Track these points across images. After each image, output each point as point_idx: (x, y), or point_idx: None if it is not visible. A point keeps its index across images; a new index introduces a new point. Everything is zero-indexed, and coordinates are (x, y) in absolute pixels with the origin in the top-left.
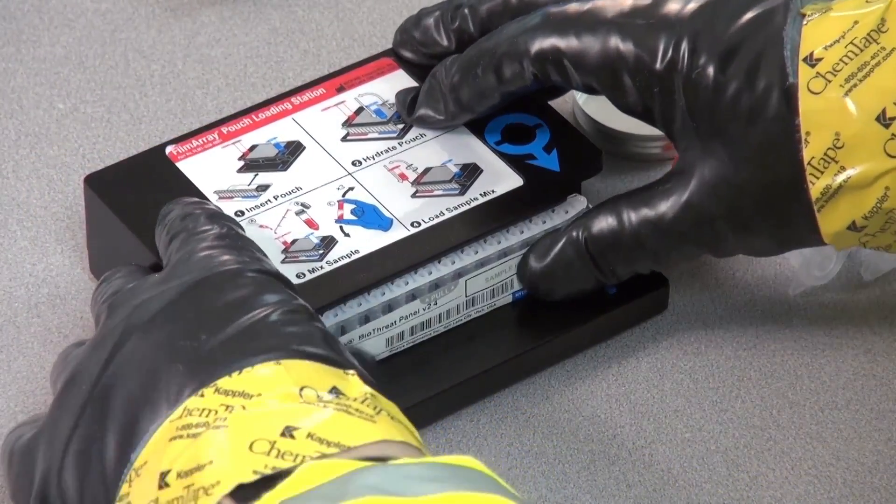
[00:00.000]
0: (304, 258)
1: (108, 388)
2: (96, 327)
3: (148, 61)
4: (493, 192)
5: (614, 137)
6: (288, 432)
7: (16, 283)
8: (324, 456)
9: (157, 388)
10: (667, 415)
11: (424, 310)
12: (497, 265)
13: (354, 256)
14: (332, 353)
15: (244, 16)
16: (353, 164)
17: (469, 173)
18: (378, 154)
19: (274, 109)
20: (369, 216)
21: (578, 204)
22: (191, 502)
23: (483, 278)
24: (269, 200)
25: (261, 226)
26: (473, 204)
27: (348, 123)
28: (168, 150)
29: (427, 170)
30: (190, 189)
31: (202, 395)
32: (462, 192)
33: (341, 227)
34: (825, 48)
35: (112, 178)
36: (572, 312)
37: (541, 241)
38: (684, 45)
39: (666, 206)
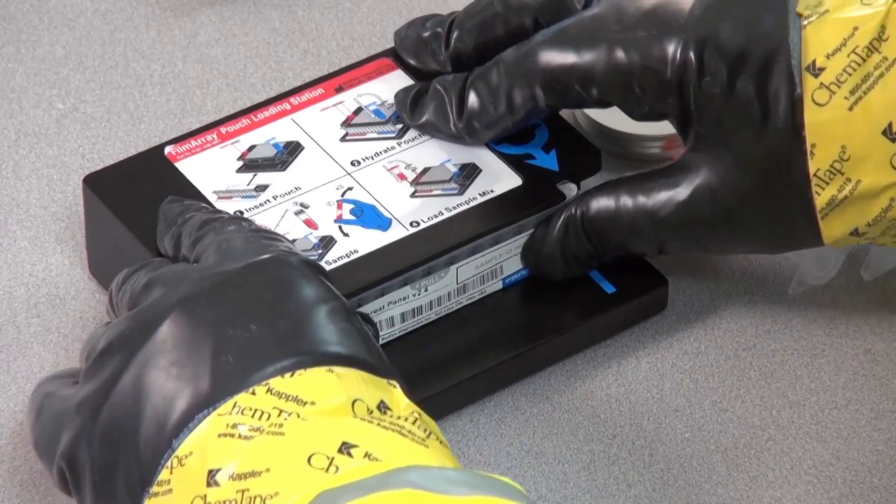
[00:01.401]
0: None
1: (145, 362)
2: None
3: (148, 61)
4: (491, 191)
5: (614, 137)
6: (345, 449)
7: (16, 283)
8: None
9: (202, 375)
10: (667, 415)
11: (414, 296)
12: (489, 252)
13: (353, 256)
14: (375, 359)
15: (244, 16)
16: (352, 164)
17: (468, 173)
18: (377, 154)
19: (273, 109)
20: (368, 216)
21: (569, 191)
22: None
23: (473, 265)
24: (268, 200)
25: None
26: (472, 204)
27: (347, 123)
28: (167, 150)
29: (426, 170)
30: (189, 189)
31: (253, 393)
32: (461, 192)
33: (340, 227)
34: (827, 56)
35: (111, 178)
36: (572, 312)
37: (542, 222)
38: (691, 52)
39: (664, 200)
